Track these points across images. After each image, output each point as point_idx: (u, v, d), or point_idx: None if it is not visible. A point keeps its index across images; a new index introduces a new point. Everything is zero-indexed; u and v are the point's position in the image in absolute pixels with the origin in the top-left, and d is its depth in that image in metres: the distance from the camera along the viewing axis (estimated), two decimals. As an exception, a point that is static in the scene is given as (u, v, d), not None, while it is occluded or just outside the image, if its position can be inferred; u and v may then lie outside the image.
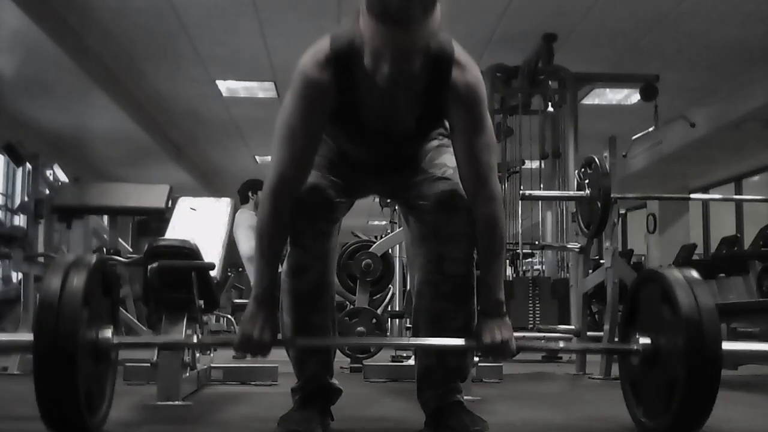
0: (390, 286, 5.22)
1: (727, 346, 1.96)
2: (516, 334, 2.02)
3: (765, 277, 5.58)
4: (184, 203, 3.78)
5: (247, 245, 5.86)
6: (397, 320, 6.06)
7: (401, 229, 2.30)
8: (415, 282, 2.16)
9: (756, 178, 10.75)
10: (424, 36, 1.75)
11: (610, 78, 7.64)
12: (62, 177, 5.39)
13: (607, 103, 8.96)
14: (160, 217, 5.29)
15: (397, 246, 4.87)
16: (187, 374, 2.95)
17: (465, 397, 2.17)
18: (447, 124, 2.11)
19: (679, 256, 7.56)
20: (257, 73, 8.20)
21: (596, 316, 6.40)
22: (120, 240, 5.79)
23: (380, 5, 1.71)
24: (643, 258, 11.18)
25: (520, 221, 6.64)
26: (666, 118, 7.30)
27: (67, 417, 1.83)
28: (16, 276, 6.50)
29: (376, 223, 12.60)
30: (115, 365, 2.18)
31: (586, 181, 4.24)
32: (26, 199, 4.97)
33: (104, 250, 5.08)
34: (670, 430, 1.97)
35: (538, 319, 5.63)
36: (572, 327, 5.15)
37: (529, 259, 7.79)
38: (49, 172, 5.06)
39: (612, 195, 4.02)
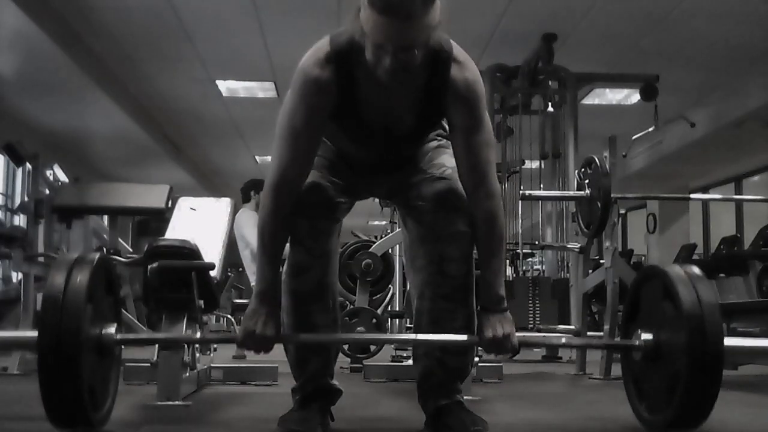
0: (390, 286, 5.23)
1: (728, 342, 1.96)
2: (516, 334, 2.02)
3: (765, 277, 5.59)
4: (184, 203, 3.78)
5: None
6: (397, 320, 6.06)
7: (401, 229, 2.30)
8: (416, 283, 2.15)
9: (756, 178, 10.75)
10: (424, 29, 1.77)
11: (610, 78, 7.63)
12: (62, 177, 5.39)
13: (607, 103, 8.96)
14: (160, 217, 5.29)
15: (397, 246, 4.87)
16: (187, 374, 2.95)
17: (465, 397, 2.18)
18: (446, 125, 2.11)
19: (679, 256, 7.56)
20: (257, 73, 8.19)
21: (596, 316, 6.40)
22: (120, 240, 5.80)
23: None
24: (643, 258, 11.18)
25: (520, 221, 6.64)
26: (666, 118, 7.30)
27: (71, 412, 1.84)
28: (16, 276, 6.50)
29: (376, 223, 12.59)
30: (119, 362, 2.19)
31: (586, 181, 4.24)
32: (26, 199, 4.98)
33: (104, 250, 5.08)
34: (672, 424, 1.97)
35: (538, 319, 5.63)
36: (572, 327, 5.15)
37: (529, 259, 7.79)
38: (49, 172, 5.06)
39: (612, 195, 4.02)
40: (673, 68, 7.43)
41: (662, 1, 6.38)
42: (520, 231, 6.66)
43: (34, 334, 1.84)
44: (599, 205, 4.05)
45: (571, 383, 3.96)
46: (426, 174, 2.10)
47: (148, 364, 3.06)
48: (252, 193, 6.21)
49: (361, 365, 4.09)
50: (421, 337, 2.11)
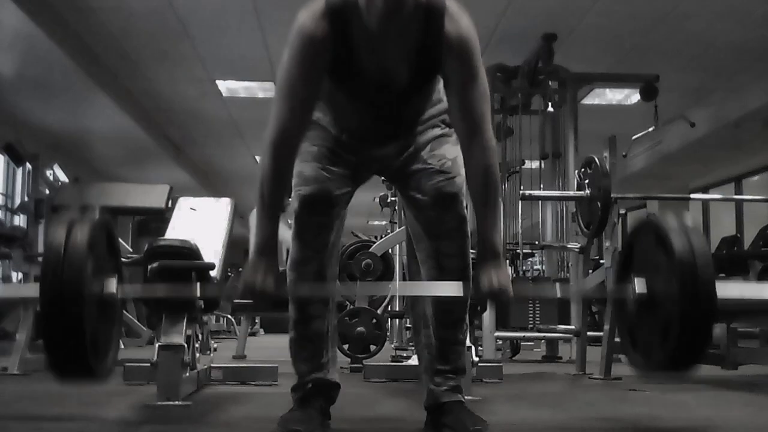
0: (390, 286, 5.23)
1: (720, 288, 1.96)
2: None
3: (765, 277, 5.58)
4: (184, 203, 3.78)
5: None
6: (397, 320, 6.06)
7: (401, 229, 2.33)
8: (416, 278, 2.21)
9: (756, 178, 10.75)
10: None
11: (610, 78, 7.63)
12: (62, 177, 5.40)
13: (607, 103, 8.96)
14: (160, 217, 5.30)
15: (397, 246, 4.88)
16: (187, 374, 2.94)
17: (465, 397, 2.18)
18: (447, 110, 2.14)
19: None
20: (257, 73, 8.19)
21: (596, 316, 6.39)
22: (120, 240, 5.79)
23: None
24: (643, 258, 11.16)
25: (520, 221, 6.64)
26: (666, 118, 7.29)
27: (74, 362, 1.87)
28: (16, 276, 6.50)
29: (376, 223, 12.60)
30: (120, 316, 2.22)
31: (586, 181, 4.24)
32: (26, 199, 4.98)
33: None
34: (666, 367, 2.00)
35: (538, 319, 5.63)
36: (572, 327, 5.16)
37: (529, 259, 7.79)
38: (49, 172, 5.07)
39: (612, 195, 4.01)
40: (673, 68, 7.43)
41: (662, 1, 6.38)
42: (520, 231, 6.65)
43: (36, 288, 1.86)
44: (599, 205, 4.05)
45: (571, 383, 3.96)
46: (427, 165, 2.13)
47: (148, 364, 3.06)
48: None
49: (361, 365, 4.09)
50: (417, 285, 2.14)
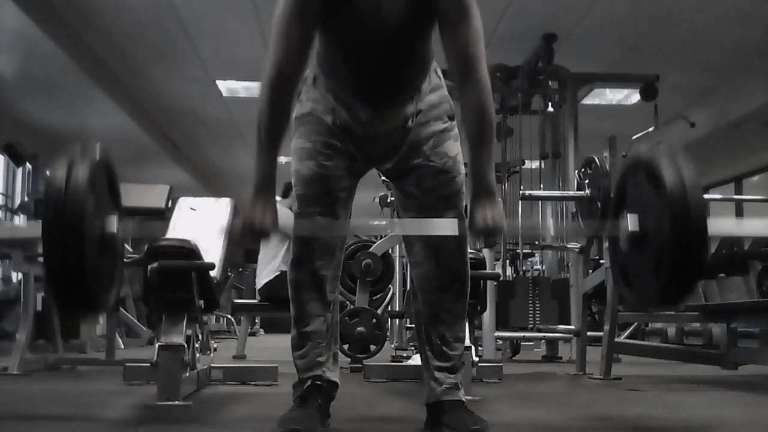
0: (390, 286, 5.23)
1: (712, 222, 1.98)
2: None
3: (765, 277, 5.58)
4: (184, 203, 3.78)
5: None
6: (397, 320, 6.06)
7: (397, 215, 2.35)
8: (415, 275, 2.22)
9: (756, 178, 10.75)
10: None
11: (610, 78, 7.63)
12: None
13: (607, 103, 8.96)
14: (160, 217, 5.29)
15: (397, 246, 4.88)
16: (187, 374, 2.94)
17: (465, 397, 2.18)
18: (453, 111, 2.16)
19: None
20: (257, 73, 8.08)
21: (596, 316, 6.40)
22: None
23: None
24: (643, 258, 11.18)
25: (520, 221, 6.64)
26: (666, 118, 7.30)
27: (77, 297, 1.91)
28: (16, 276, 6.50)
29: (376, 223, 12.59)
30: (122, 252, 2.23)
31: (586, 181, 4.24)
32: (26, 199, 4.98)
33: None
34: (658, 300, 2.02)
35: (538, 319, 5.63)
36: (572, 327, 5.15)
37: (529, 259, 7.79)
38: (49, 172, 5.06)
39: (612, 195, 4.01)
40: (673, 68, 7.43)
41: (662, 1, 6.38)
42: (520, 231, 6.66)
43: (38, 226, 1.89)
44: (599, 205, 4.05)
45: (571, 383, 3.95)
46: (429, 162, 2.14)
47: (148, 364, 3.06)
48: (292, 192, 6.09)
49: (361, 365, 4.09)
50: (411, 222, 2.15)
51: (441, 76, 2.21)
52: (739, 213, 10.58)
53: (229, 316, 9.41)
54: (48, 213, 1.87)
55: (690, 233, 1.90)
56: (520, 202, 6.34)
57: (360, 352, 4.33)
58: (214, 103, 9.24)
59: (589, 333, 4.51)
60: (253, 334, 9.81)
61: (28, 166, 5.00)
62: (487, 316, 4.99)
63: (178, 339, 2.74)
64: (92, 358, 4.91)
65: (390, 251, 4.85)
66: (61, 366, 4.31)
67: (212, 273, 2.95)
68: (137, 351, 6.23)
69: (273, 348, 6.07)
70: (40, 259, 4.45)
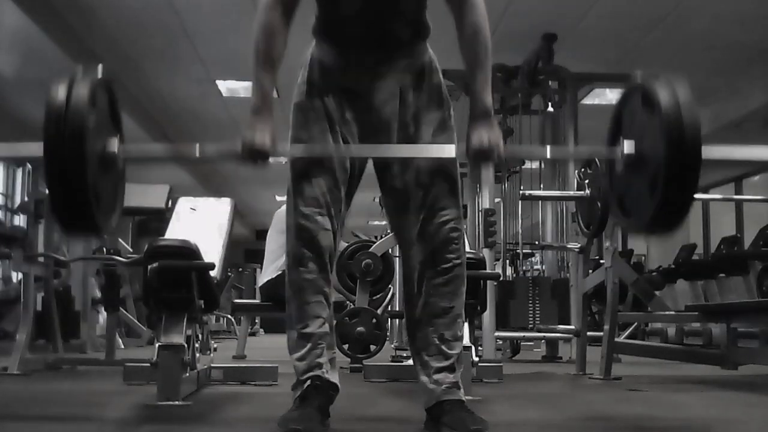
0: (390, 286, 5.23)
1: (707, 147, 1.99)
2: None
3: (765, 277, 5.59)
4: (184, 203, 3.78)
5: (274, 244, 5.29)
6: (397, 320, 6.06)
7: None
8: (410, 275, 2.23)
9: (756, 178, 10.75)
10: None
11: (610, 78, 7.62)
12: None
13: (607, 103, 8.95)
14: (160, 217, 5.29)
15: (397, 246, 4.87)
16: (187, 374, 2.94)
17: (465, 397, 2.18)
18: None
19: (679, 256, 7.55)
20: (257, 74, 8.17)
21: (596, 316, 6.40)
22: (120, 240, 5.79)
23: None
24: (643, 258, 11.17)
25: (520, 221, 6.64)
26: (666, 118, 7.28)
27: (79, 216, 1.91)
28: (16, 276, 6.50)
29: (376, 223, 12.59)
30: (123, 174, 2.25)
31: (586, 181, 4.24)
32: (26, 199, 4.97)
33: (104, 250, 5.08)
34: (650, 225, 2.01)
35: (538, 319, 5.64)
36: (572, 327, 5.16)
37: (529, 259, 7.79)
38: (49, 172, 5.05)
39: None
40: (673, 68, 7.40)
41: (662, 1, 6.38)
42: (520, 231, 6.66)
43: (41, 144, 1.88)
44: (599, 205, 4.05)
45: (571, 383, 3.95)
46: (427, 159, 2.15)
47: (148, 364, 3.06)
48: None
49: (361, 365, 4.09)
50: (410, 148, 2.14)
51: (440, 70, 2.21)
52: (739, 213, 10.59)
53: (229, 316, 9.42)
54: (49, 127, 1.86)
55: (684, 150, 1.90)
56: (520, 202, 6.34)
57: (360, 352, 4.33)
58: (214, 103, 9.24)
59: (589, 333, 4.51)
60: (253, 334, 9.82)
61: (28, 166, 4.99)
62: (487, 316, 4.99)
63: (178, 339, 2.74)
64: (92, 358, 4.91)
65: (390, 251, 4.84)
66: (61, 366, 4.32)
67: (212, 273, 2.95)
68: (137, 351, 6.23)
69: (273, 348, 6.07)
70: (41, 259, 4.47)
